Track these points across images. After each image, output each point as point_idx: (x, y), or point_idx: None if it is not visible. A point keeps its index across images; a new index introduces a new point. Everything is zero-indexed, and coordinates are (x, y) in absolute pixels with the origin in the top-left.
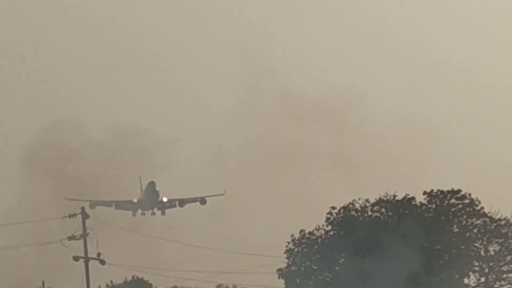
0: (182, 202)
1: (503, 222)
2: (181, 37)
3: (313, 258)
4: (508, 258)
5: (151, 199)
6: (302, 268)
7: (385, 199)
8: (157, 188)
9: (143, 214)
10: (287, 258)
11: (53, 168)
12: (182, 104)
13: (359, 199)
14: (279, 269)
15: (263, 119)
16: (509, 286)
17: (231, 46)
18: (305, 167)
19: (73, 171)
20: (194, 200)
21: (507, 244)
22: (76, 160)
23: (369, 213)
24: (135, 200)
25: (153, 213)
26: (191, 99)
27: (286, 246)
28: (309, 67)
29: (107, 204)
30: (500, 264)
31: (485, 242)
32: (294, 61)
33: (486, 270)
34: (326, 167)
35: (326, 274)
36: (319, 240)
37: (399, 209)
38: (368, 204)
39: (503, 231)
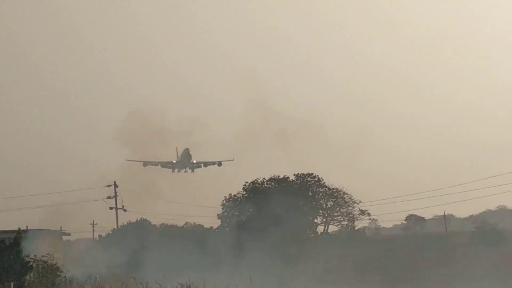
0: (206, 164)
1: (335, 190)
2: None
3: (235, 208)
4: (337, 209)
5: (185, 160)
6: (230, 214)
7: (274, 177)
8: (190, 153)
9: (179, 171)
10: (222, 208)
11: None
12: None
13: (261, 177)
14: (218, 214)
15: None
16: (337, 223)
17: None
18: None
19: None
20: (213, 163)
21: (337, 201)
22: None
23: (265, 185)
24: (174, 161)
25: (186, 171)
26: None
27: (222, 202)
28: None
29: (155, 163)
30: (333, 212)
31: (325, 200)
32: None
33: (326, 215)
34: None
35: (242, 217)
36: (239, 199)
37: (280, 183)
38: (265, 180)
39: (335, 194)
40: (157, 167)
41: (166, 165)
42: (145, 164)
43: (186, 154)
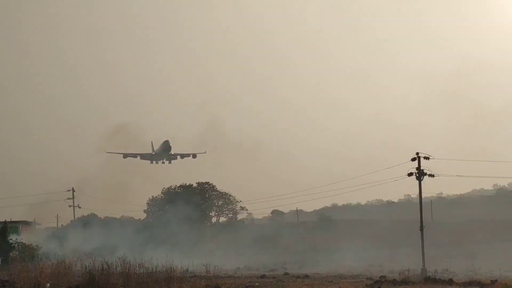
0: (182, 156)
1: (224, 193)
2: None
3: (156, 206)
4: (226, 206)
5: (165, 152)
6: (153, 211)
7: (182, 184)
8: (170, 145)
9: (156, 162)
10: (148, 206)
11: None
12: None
13: (176, 185)
14: (144, 210)
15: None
16: (225, 216)
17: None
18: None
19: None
20: (188, 155)
21: (225, 201)
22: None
23: (177, 190)
24: (153, 153)
25: (163, 162)
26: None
27: (147, 201)
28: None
29: (134, 155)
30: (223, 208)
31: (217, 200)
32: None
33: (218, 210)
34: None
35: (160, 212)
36: (159, 200)
37: (187, 188)
38: (176, 186)
39: (224, 196)
40: (136, 159)
41: (145, 156)
42: (125, 156)
43: (166, 145)
